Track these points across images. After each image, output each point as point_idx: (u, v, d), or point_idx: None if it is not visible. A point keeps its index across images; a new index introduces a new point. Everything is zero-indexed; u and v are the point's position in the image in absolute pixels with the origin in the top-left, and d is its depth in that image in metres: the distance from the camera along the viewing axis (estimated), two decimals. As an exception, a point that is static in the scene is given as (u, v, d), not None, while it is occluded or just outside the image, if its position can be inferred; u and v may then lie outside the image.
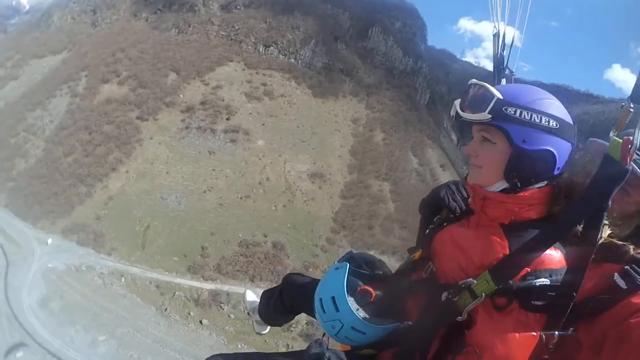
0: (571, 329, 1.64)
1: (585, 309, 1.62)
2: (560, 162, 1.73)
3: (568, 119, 1.73)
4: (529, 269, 1.59)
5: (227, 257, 58.83)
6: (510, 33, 2.37)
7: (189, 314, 49.09)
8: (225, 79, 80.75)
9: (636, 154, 1.51)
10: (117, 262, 52.15)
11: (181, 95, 74.99)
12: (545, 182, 1.76)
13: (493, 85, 1.78)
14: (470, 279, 1.64)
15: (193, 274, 54.54)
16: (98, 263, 51.22)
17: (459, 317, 1.64)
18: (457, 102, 1.83)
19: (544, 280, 1.58)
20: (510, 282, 1.59)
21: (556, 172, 1.74)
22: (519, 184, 1.73)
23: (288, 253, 61.85)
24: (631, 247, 1.67)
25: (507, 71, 2.38)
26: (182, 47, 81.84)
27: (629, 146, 1.42)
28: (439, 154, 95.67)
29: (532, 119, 1.65)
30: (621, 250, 1.66)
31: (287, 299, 2.66)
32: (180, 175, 66.07)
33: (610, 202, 1.50)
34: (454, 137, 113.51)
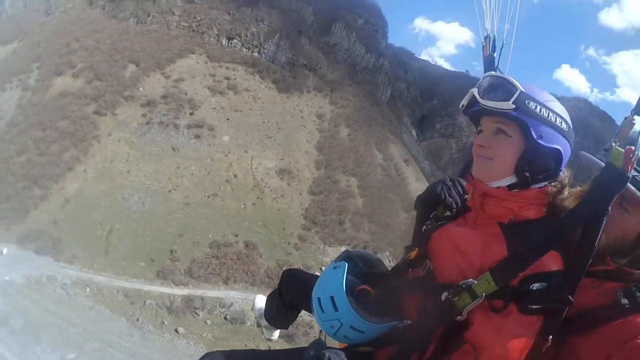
0: (564, 337, 1.64)
1: (586, 321, 1.64)
2: (564, 164, 1.77)
3: (571, 124, 1.76)
4: (527, 272, 1.59)
5: (198, 259, 55.06)
6: (493, 35, 2.38)
7: (163, 322, 44.93)
8: (187, 72, 75.41)
9: (637, 172, 1.59)
10: (79, 271, 46.58)
11: (141, 89, 68.95)
12: (546, 183, 1.78)
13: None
14: (471, 279, 1.62)
15: (163, 280, 50.29)
16: (59, 273, 45.44)
17: (459, 317, 1.62)
18: (475, 90, 1.79)
19: (542, 284, 1.58)
20: (509, 284, 1.60)
21: (559, 172, 1.78)
22: (529, 180, 1.73)
23: (261, 252, 59.09)
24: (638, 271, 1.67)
25: (498, 72, 2.25)
26: (141, 38, 75.13)
27: (631, 155, 1.46)
28: (401, 149, 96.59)
29: (549, 117, 1.68)
30: (625, 272, 1.67)
31: (285, 296, 2.53)
32: (143, 174, 60.87)
33: (610, 208, 1.51)
34: (414, 133, 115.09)
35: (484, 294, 1.61)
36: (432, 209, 2.12)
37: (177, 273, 51.96)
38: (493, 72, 1.88)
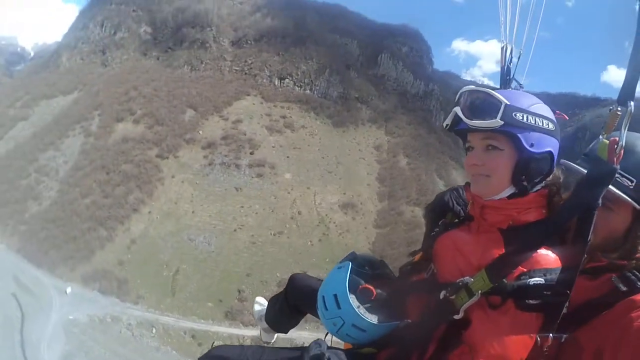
0: (564, 334, 1.62)
1: (585, 313, 1.63)
2: (555, 162, 1.74)
3: (554, 118, 1.73)
4: (524, 269, 1.55)
5: (266, 299, 50.29)
6: (511, 46, 2.29)
7: (232, 365, 39.92)
8: (244, 113, 74.43)
9: (618, 173, 1.57)
10: (145, 312, 43.23)
11: (200, 132, 68.09)
12: (542, 185, 1.75)
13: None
14: (467, 277, 1.60)
15: (231, 320, 46.35)
16: (124, 313, 42.18)
17: (456, 315, 1.60)
18: (458, 109, 1.71)
19: (538, 280, 1.53)
20: (505, 281, 1.56)
21: (553, 171, 1.75)
22: (527, 187, 1.69)
23: None
24: (633, 261, 1.66)
25: (514, 83, 2.19)
26: (197, 84, 75.76)
27: (615, 146, 1.45)
28: (463, 173, 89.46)
29: (536, 123, 1.63)
30: (618, 265, 1.67)
31: (291, 298, 2.53)
32: (207, 214, 58.25)
33: (600, 201, 1.50)
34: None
35: (479, 292, 1.54)
36: (441, 216, 2.05)
37: (246, 313, 47.65)
38: (472, 86, 1.72)
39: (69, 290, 44.04)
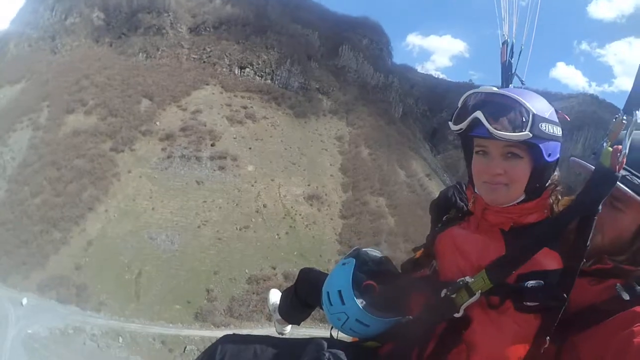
0: (563, 338, 1.62)
1: (586, 318, 1.60)
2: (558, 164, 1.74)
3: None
4: (523, 271, 1.56)
5: (237, 297, 48.18)
6: (511, 41, 2.30)
7: (208, 369, 37.38)
8: (203, 103, 70.24)
9: (628, 172, 1.59)
10: (109, 319, 39.26)
11: (158, 123, 63.33)
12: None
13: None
14: (468, 277, 1.61)
15: (202, 322, 43.50)
16: (87, 322, 38.03)
17: (456, 314, 1.60)
18: (480, 115, 1.61)
19: (537, 282, 1.54)
20: (505, 281, 1.57)
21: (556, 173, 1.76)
22: (537, 195, 1.69)
23: None
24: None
25: (515, 78, 2.18)
26: (153, 72, 70.26)
27: (618, 154, 1.43)
28: (422, 164, 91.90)
29: (554, 132, 1.61)
30: (625, 270, 1.63)
31: (300, 293, 2.51)
32: (168, 210, 54.41)
33: (600, 207, 1.48)
34: (427, 147, 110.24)
35: (479, 292, 1.55)
36: (445, 212, 2.04)
37: (217, 314, 45.28)
38: (493, 88, 1.65)
39: (24, 301, 39.36)
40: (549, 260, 1.57)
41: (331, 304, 1.94)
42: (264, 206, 62.22)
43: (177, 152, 61.62)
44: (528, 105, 1.55)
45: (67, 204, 47.53)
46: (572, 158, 1.81)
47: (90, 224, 46.94)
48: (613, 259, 1.67)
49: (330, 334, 1.99)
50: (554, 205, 1.72)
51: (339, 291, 1.91)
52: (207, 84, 73.87)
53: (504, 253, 1.60)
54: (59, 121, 57.47)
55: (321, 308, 2.22)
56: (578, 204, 1.53)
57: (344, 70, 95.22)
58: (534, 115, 1.54)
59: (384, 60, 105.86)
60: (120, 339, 37.56)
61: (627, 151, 1.42)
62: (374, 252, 2.12)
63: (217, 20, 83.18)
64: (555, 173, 1.73)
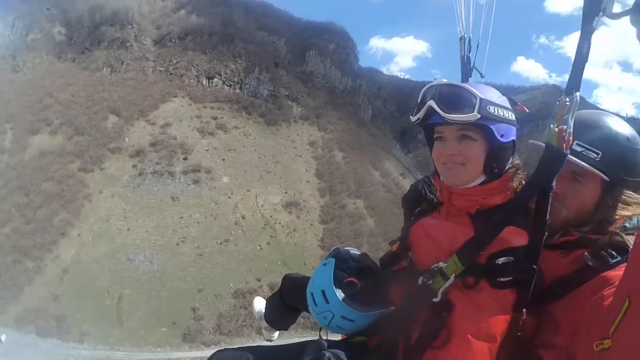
0: (539, 311, 1.69)
1: (558, 289, 1.68)
2: (516, 148, 1.85)
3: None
4: (492, 250, 1.64)
5: (224, 313, 46.57)
6: (468, 36, 2.47)
7: (205, 393, 35.73)
8: (172, 116, 67.90)
9: (584, 148, 1.72)
10: (94, 349, 36.70)
11: (126, 139, 60.64)
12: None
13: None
14: (441, 262, 1.68)
15: (191, 343, 41.70)
16: (70, 355, 35.36)
17: (435, 299, 1.66)
18: (433, 103, 1.76)
19: (506, 259, 1.62)
20: (477, 262, 1.64)
21: (514, 156, 1.86)
22: (496, 175, 1.80)
23: None
24: (607, 235, 1.70)
25: (475, 72, 2.39)
26: (118, 87, 67.19)
27: (564, 133, 1.54)
28: (396, 163, 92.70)
29: (504, 115, 1.74)
30: (590, 239, 1.71)
31: (285, 297, 2.57)
32: (144, 229, 52.13)
33: (554, 183, 1.58)
34: (398, 147, 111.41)
35: (453, 275, 1.62)
36: (417, 205, 2.13)
37: (205, 332, 43.73)
38: (444, 80, 1.81)
39: (3, 337, 36.23)
40: (516, 237, 1.64)
41: (316, 304, 1.97)
42: (243, 217, 60.71)
43: (148, 168, 59.21)
44: (475, 90, 1.69)
45: (38, 231, 44.35)
46: (530, 141, 1.90)
47: (63, 249, 44.14)
48: (578, 230, 1.74)
49: (320, 335, 2.02)
50: (518, 188, 1.80)
51: (322, 291, 1.95)
52: (175, 96, 71.50)
53: (472, 235, 1.67)
54: (23, 143, 53.72)
55: (307, 311, 2.29)
56: (533, 182, 1.63)
57: (312, 76, 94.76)
58: (481, 99, 1.68)
59: (351, 64, 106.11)
60: (108, 370, 35.37)
61: (571, 130, 1.52)
62: (353, 250, 2.14)
63: (182, 31, 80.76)
64: (517, 158, 1.84)
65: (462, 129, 1.75)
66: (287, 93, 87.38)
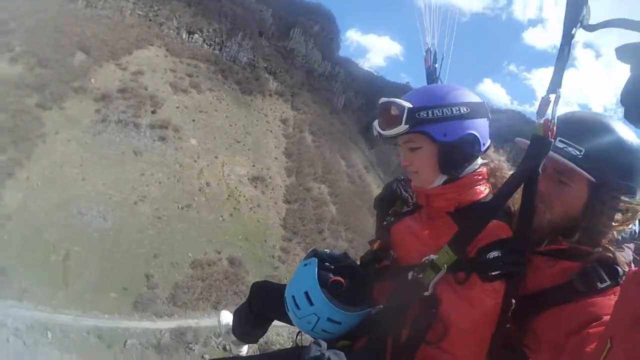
0: (523, 322, 1.66)
1: (541, 301, 1.62)
2: (483, 139, 1.78)
3: (476, 99, 1.79)
4: (481, 243, 1.63)
5: (180, 283, 42.71)
6: (434, 49, 2.47)
7: (153, 366, 32.20)
8: (146, 64, 60.91)
9: (565, 143, 1.64)
10: (34, 310, 31.39)
11: (93, 80, 53.29)
12: (480, 163, 1.83)
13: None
14: (432, 255, 1.66)
15: (142, 312, 37.46)
16: (8, 314, 29.85)
17: (426, 292, 1.64)
18: (376, 123, 1.85)
19: (496, 252, 1.61)
20: (467, 256, 1.63)
21: (483, 148, 1.79)
22: (456, 172, 1.78)
23: (247, 269, 48.16)
24: (599, 249, 1.61)
25: (439, 82, 2.37)
26: (92, 23, 58.60)
27: (549, 124, 1.55)
28: (361, 156, 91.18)
29: (444, 114, 1.70)
30: (582, 252, 1.62)
31: (255, 307, 2.47)
32: (101, 182, 46.27)
33: (540, 171, 1.56)
34: (362, 140, 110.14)
35: (445, 265, 1.60)
36: (391, 205, 2.13)
37: (159, 302, 39.64)
38: (383, 98, 1.80)
39: None
40: (502, 230, 1.62)
41: (298, 308, 1.83)
42: (207, 184, 56.34)
43: (113, 115, 52.64)
44: (402, 102, 1.68)
45: (-19, 168, 37.66)
46: (516, 138, 1.83)
47: (8, 193, 37.46)
48: (568, 240, 1.62)
49: (296, 342, 1.88)
50: (499, 184, 1.76)
51: (306, 292, 1.81)
52: (152, 45, 64.23)
53: (457, 231, 1.63)
54: (-22, 68, 45.22)
55: (279, 318, 2.14)
56: (519, 171, 1.60)
57: (293, 53, 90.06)
58: (407, 109, 1.65)
59: (332, 51, 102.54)
60: (49, 334, 30.22)
61: (555, 120, 1.52)
62: (332, 250, 2.04)
63: (169, -24, 73.08)
64: (482, 149, 1.76)
65: (407, 141, 1.75)
66: (265, 65, 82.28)
